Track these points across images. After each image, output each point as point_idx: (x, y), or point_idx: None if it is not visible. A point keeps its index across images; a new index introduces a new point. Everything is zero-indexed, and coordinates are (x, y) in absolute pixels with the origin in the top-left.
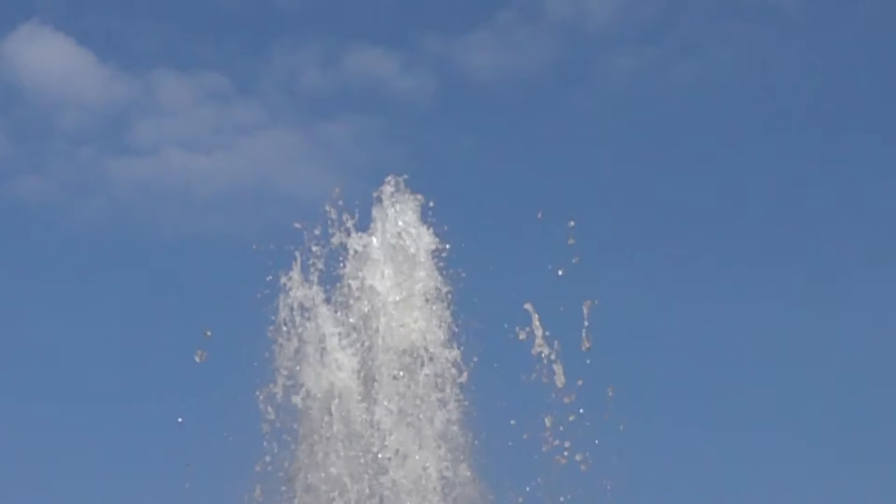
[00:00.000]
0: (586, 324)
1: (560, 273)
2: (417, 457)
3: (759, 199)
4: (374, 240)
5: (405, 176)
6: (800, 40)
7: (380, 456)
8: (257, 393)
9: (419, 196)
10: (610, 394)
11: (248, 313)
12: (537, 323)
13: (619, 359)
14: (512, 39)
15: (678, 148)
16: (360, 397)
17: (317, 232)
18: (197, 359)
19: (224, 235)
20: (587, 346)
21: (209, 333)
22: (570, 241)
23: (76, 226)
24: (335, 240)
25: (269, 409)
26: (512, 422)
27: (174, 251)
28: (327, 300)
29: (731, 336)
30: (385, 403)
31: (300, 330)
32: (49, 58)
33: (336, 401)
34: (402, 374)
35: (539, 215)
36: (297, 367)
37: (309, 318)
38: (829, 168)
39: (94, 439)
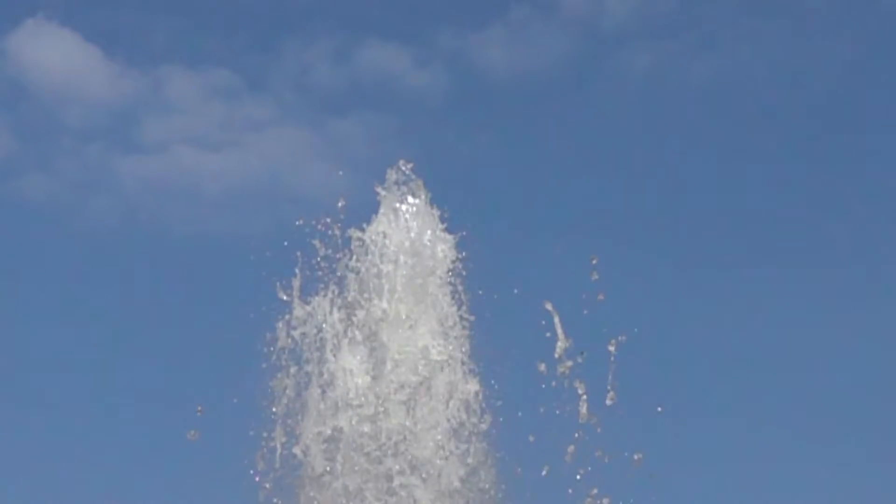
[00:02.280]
0: (611, 376)
1: (585, 312)
2: None
3: (775, 200)
4: (384, 254)
5: (411, 164)
6: (820, 37)
7: None
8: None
9: (435, 211)
10: (637, 459)
11: (250, 327)
12: (559, 327)
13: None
14: (526, 35)
15: (696, 145)
16: (369, 442)
17: (320, 249)
18: (189, 437)
19: (233, 234)
20: (612, 399)
21: (200, 409)
22: (594, 277)
23: (83, 224)
24: (341, 264)
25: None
26: (531, 437)
27: (183, 250)
28: (331, 321)
29: (762, 354)
30: (396, 446)
31: (301, 365)
32: (55, 54)
33: (341, 449)
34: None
35: (556, 249)
36: (297, 413)
37: (312, 353)
38: (850, 167)
39: (95, 440)
